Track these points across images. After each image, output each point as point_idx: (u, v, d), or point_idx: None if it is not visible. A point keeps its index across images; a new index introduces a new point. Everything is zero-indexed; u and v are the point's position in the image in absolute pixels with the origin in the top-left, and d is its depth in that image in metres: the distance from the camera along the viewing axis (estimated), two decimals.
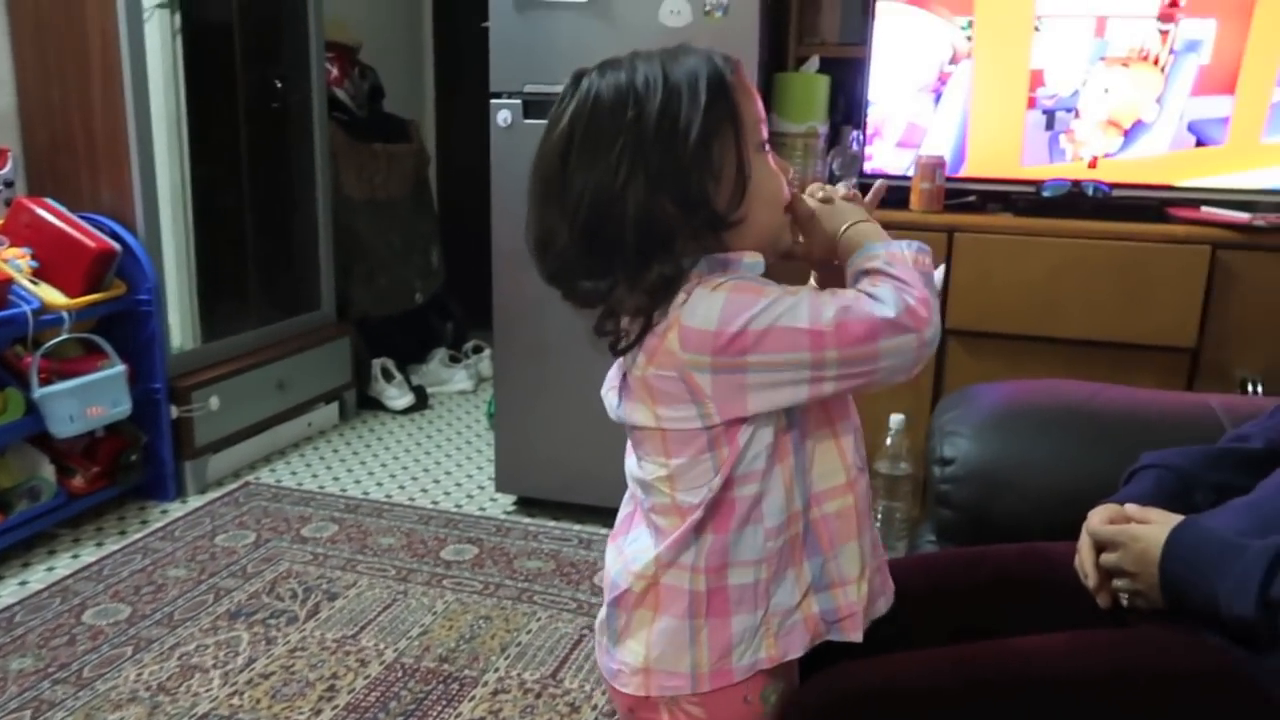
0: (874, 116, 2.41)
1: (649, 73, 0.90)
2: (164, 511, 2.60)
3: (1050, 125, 2.33)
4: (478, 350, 3.84)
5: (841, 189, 1.02)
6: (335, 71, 3.39)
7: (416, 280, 3.72)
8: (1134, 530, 1.06)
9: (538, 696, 1.83)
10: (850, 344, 0.86)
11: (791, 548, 0.94)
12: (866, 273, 0.92)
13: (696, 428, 0.90)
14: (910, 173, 2.33)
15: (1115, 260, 2.17)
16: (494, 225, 2.49)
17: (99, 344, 2.44)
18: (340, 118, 3.39)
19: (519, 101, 2.40)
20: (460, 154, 4.18)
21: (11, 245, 2.36)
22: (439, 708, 1.79)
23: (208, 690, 1.83)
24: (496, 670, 1.91)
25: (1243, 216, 2.16)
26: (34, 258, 2.37)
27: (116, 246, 2.45)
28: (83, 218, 2.47)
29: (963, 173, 2.38)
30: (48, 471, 2.40)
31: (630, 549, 0.99)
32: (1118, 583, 1.07)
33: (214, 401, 2.74)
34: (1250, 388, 2.13)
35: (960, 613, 1.12)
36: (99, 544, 2.42)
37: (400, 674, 1.89)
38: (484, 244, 2.51)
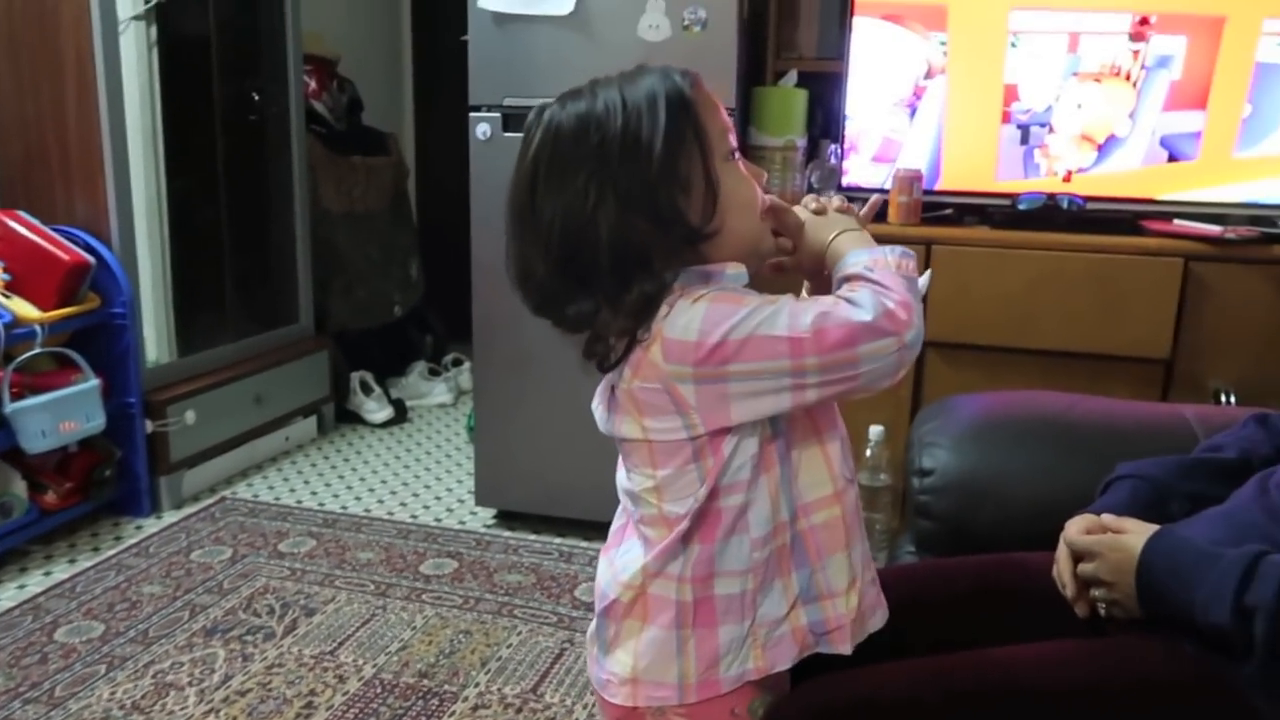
0: (851, 130, 2.43)
1: (608, 98, 0.91)
2: (139, 527, 2.57)
3: (1025, 140, 2.35)
4: (457, 363, 3.83)
5: (836, 200, 1.03)
6: (313, 84, 3.38)
7: (395, 293, 3.70)
8: (1111, 540, 1.07)
9: (518, 711, 1.82)
10: (829, 349, 0.86)
11: (778, 558, 0.94)
12: (848, 279, 0.93)
13: (682, 438, 0.91)
14: (887, 186, 2.35)
15: (1091, 272, 2.19)
16: (473, 238, 2.49)
17: (72, 358, 2.42)
18: (318, 130, 3.38)
19: (498, 115, 2.40)
20: (439, 167, 4.18)
21: None
22: None
23: (183, 709, 1.80)
24: (477, 685, 1.90)
25: (1215, 230, 2.20)
26: (6, 270, 2.35)
27: (90, 259, 2.43)
28: (57, 230, 2.44)
29: (938, 186, 2.40)
30: (19, 487, 2.37)
31: (621, 560, 0.99)
32: (1095, 592, 1.08)
33: (190, 416, 2.71)
34: (1223, 398, 2.16)
35: (940, 623, 1.13)
36: (72, 560, 2.39)
37: (379, 690, 1.87)
38: (463, 257, 2.50)
